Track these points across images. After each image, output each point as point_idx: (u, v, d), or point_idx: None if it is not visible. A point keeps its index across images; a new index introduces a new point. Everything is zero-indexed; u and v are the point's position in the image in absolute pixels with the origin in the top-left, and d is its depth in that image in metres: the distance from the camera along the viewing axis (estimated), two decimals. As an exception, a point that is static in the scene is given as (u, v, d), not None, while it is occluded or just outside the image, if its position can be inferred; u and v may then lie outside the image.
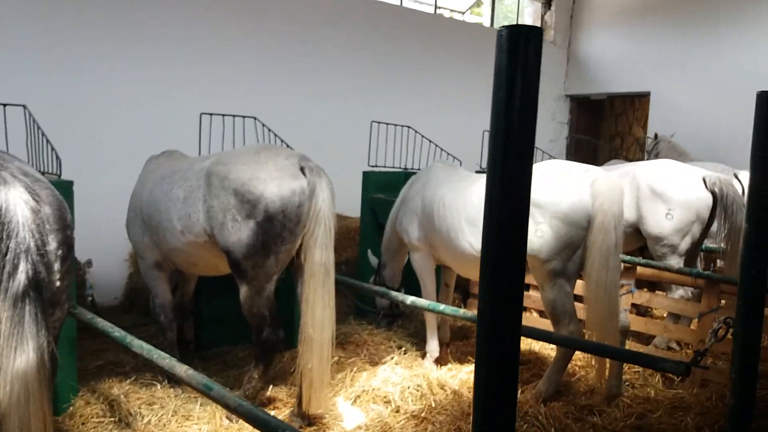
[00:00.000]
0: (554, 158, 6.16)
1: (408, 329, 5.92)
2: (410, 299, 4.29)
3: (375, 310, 5.82)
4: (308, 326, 3.83)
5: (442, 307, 4.10)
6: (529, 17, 12.03)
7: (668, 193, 5.45)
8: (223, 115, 5.82)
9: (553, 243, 4.11)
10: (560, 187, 4.17)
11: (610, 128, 13.59)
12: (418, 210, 5.05)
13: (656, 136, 9.44)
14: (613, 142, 13.55)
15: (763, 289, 2.61)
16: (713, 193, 5.43)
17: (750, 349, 2.65)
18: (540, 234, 4.14)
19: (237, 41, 7.89)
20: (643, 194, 5.56)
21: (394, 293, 4.56)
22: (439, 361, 5.15)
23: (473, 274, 4.84)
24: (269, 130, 6.00)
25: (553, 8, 11.88)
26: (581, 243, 4.12)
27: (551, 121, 12.10)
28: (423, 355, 5.22)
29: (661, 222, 5.45)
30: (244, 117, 6.04)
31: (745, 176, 6.87)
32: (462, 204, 4.65)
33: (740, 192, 6.76)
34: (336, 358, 4.88)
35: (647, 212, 5.52)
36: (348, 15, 9.09)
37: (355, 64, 9.11)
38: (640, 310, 6.13)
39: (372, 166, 6.91)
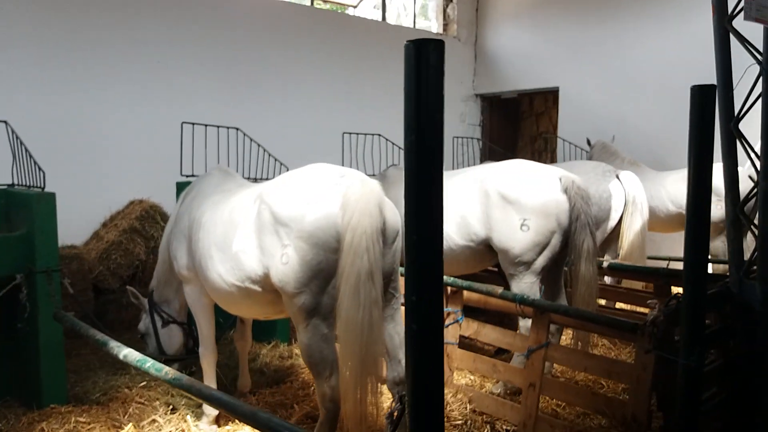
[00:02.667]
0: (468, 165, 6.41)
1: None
2: (123, 352, 3.25)
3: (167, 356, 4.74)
4: None
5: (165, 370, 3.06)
6: (432, 11, 11.15)
7: (522, 199, 4.49)
8: (206, 126, 5.94)
9: (300, 271, 3.10)
10: (308, 199, 3.18)
11: (530, 129, 12.72)
12: (186, 230, 4.03)
13: (589, 142, 8.55)
14: (536, 144, 12.68)
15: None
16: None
17: None
18: (285, 260, 3.15)
19: (211, 53, 8.03)
20: (493, 202, 4.59)
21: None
22: (222, 421, 4.11)
23: (238, 310, 3.82)
24: (252, 140, 6.10)
25: (455, 1, 11.00)
26: (335, 270, 3.13)
27: (460, 123, 11.20)
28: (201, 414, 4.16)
29: (514, 234, 4.49)
30: (228, 128, 6.11)
31: (626, 176, 5.99)
32: (213, 223, 3.65)
33: (621, 194, 5.89)
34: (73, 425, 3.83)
35: (498, 223, 4.55)
36: (316, 27, 9.16)
37: (325, 75, 9.14)
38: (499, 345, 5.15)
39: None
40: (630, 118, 9.04)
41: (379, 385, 3.13)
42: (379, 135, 7.15)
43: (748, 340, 3.72)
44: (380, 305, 3.08)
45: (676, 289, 5.33)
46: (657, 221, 7.02)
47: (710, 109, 2.93)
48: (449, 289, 4.31)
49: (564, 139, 9.77)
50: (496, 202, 4.53)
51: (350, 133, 6.84)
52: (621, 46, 9.20)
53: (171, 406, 4.23)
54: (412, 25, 10.67)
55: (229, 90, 8.14)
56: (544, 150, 12.48)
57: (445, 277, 4.38)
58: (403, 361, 3.40)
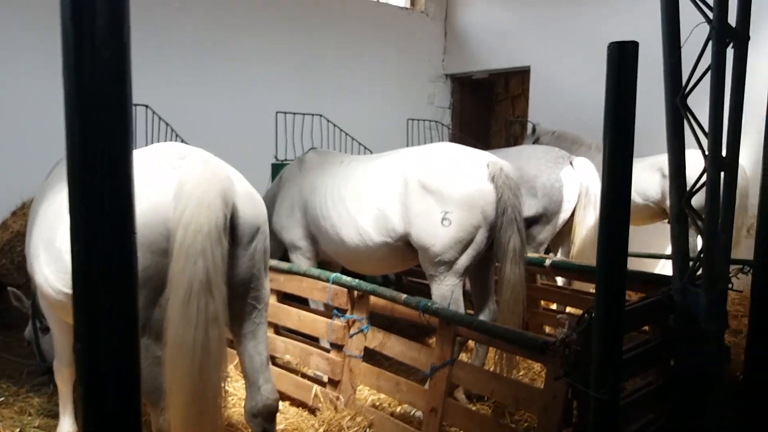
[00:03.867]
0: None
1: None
2: None
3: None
4: None
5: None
6: (398, -16, 10.43)
7: (444, 189, 3.85)
8: (294, 114, 6.17)
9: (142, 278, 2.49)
10: (138, 188, 2.54)
11: (505, 112, 12.02)
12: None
13: (534, 128, 7.88)
14: (512, 128, 12.00)
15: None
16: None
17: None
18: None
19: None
20: (412, 192, 3.95)
21: None
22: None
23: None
24: (161, 119, 5.85)
25: (423, -27, 10.27)
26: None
27: (428, 105, 10.51)
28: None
29: (435, 229, 3.86)
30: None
31: (580, 163, 5.35)
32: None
33: (575, 183, 5.26)
34: None
35: (417, 216, 3.91)
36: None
37: (259, 50, 8.07)
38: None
39: (281, 160, 6.53)
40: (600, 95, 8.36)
41: (221, 419, 2.54)
42: (320, 115, 6.50)
43: (691, 357, 3.11)
44: (221, 322, 2.46)
45: (630, 293, 4.73)
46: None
47: (630, 74, 2.29)
48: (355, 293, 3.70)
49: (535, 123, 9.10)
50: (416, 192, 3.89)
51: (285, 113, 6.21)
52: (596, 21, 8.49)
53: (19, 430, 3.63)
54: (376, -1, 9.96)
55: (139, 67, 7.70)
56: (520, 135, 11.82)
57: (348, 279, 3.76)
58: (265, 388, 2.80)
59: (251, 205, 2.68)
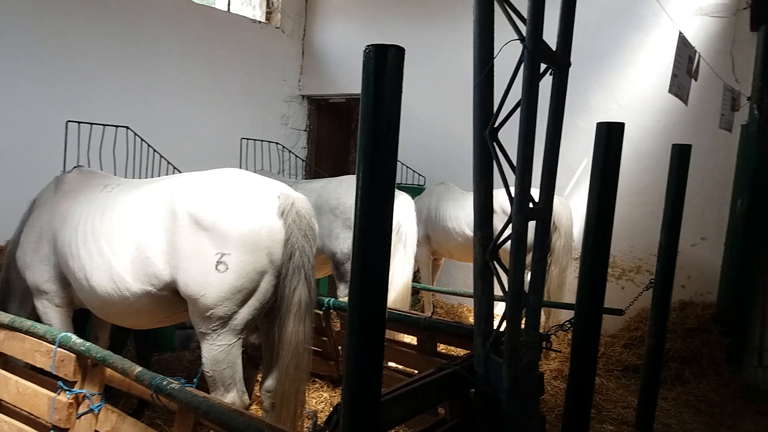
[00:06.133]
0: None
1: None
2: None
3: None
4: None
5: None
6: (253, -4, 9.68)
7: (221, 225, 3.05)
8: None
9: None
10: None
11: (367, 140, 11.60)
12: None
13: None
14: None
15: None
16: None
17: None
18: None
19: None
20: (181, 227, 3.10)
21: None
22: None
23: None
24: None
25: (280, -13, 9.61)
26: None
27: (282, 126, 9.77)
28: None
29: (207, 275, 3.03)
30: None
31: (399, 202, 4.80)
32: None
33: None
34: None
35: (186, 260, 3.06)
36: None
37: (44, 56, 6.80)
38: None
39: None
40: (455, 130, 8.10)
41: None
42: (126, 127, 5.53)
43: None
44: None
45: (444, 346, 4.21)
46: (455, 247, 6.03)
47: (392, 86, 1.69)
48: (88, 360, 2.80)
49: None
50: (186, 229, 3.07)
51: (80, 122, 5.18)
52: (451, 50, 8.24)
53: None
54: (226, 8, 9.12)
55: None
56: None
57: (79, 341, 2.84)
58: None
59: None
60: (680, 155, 4.27)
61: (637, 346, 6.18)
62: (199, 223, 3.06)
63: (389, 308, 4.35)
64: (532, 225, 2.64)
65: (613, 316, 5.39)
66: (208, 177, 3.29)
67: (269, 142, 7.69)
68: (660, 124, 6.66)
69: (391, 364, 4.35)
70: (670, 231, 4.35)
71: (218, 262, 3.03)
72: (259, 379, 3.82)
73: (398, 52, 1.73)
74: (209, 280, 3.02)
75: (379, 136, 1.75)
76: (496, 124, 2.64)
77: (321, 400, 4.51)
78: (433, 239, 6.62)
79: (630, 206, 6.65)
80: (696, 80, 4.52)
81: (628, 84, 6.85)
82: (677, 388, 5.60)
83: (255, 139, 7.25)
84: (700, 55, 4.53)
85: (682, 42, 3.98)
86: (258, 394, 4.09)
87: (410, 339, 4.31)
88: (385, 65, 1.71)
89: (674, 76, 3.92)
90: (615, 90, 6.93)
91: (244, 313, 3.11)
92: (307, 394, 4.15)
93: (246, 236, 3.04)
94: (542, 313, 6.17)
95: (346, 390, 1.75)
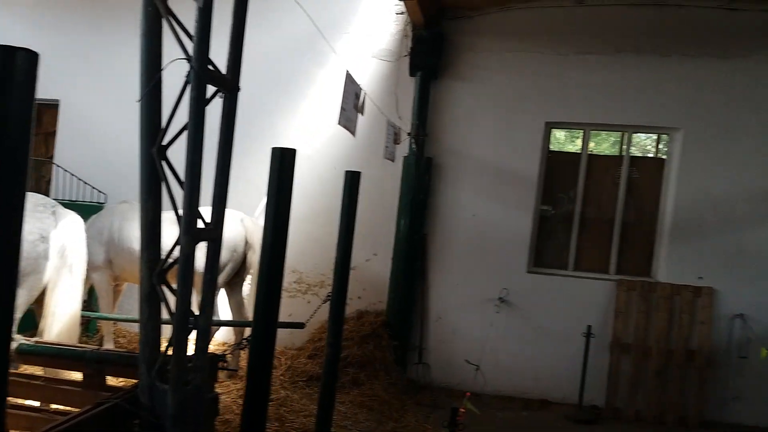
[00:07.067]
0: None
1: None
2: None
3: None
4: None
5: None
6: None
7: None
8: None
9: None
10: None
11: (38, 151, 10.16)
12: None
13: None
14: (43, 170, 10.16)
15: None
16: None
17: None
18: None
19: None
20: None
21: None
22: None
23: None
24: None
25: None
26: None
27: None
28: None
29: None
30: None
31: (63, 214, 4.32)
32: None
33: (57, 238, 4.19)
34: None
35: None
36: None
37: None
38: None
39: None
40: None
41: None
42: None
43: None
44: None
45: (114, 380, 3.93)
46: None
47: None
48: None
49: (61, 166, 7.74)
50: None
51: None
52: (136, 57, 7.77)
53: None
54: None
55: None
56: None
57: None
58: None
59: None
60: (351, 181, 4.74)
61: (320, 357, 6.62)
62: None
63: (51, 343, 3.84)
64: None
65: (299, 330, 5.68)
66: None
67: None
68: (338, 151, 7.33)
69: (54, 406, 3.82)
70: (344, 248, 4.79)
71: None
72: None
73: (30, 57, 1.55)
74: None
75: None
76: (165, 142, 2.57)
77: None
78: (115, 263, 6.08)
79: (313, 226, 7.15)
80: (363, 114, 5.10)
81: (308, 112, 7.40)
82: (354, 391, 6.16)
83: None
84: (365, 93, 5.14)
85: (349, 79, 4.47)
86: None
87: (79, 375, 3.86)
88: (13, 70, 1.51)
89: (342, 109, 4.37)
90: (297, 117, 7.42)
91: None
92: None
93: None
94: (242, 332, 6.16)
95: None
